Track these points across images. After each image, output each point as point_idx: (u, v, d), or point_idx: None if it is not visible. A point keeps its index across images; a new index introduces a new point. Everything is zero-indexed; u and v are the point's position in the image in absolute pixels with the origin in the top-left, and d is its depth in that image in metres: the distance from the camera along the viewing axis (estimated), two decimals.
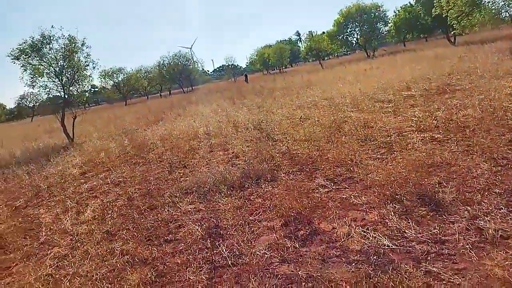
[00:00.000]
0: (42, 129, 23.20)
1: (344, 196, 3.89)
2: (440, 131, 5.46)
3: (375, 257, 2.68)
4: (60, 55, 13.05)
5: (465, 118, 5.79)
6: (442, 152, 4.50)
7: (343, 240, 3.00)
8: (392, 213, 3.22)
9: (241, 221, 3.75)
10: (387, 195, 3.58)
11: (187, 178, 5.64)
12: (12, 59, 12.56)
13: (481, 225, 2.82)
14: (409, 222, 3.03)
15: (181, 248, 3.45)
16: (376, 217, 3.27)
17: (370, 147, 5.42)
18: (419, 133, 5.60)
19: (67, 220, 4.77)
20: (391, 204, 3.39)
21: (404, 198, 3.45)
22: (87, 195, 5.90)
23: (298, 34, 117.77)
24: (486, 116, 5.55)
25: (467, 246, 2.61)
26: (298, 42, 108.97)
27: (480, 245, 2.61)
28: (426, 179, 3.75)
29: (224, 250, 3.18)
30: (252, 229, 3.56)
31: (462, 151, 4.47)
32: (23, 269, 3.71)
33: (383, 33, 45.23)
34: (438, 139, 5.13)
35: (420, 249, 2.69)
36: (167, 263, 3.21)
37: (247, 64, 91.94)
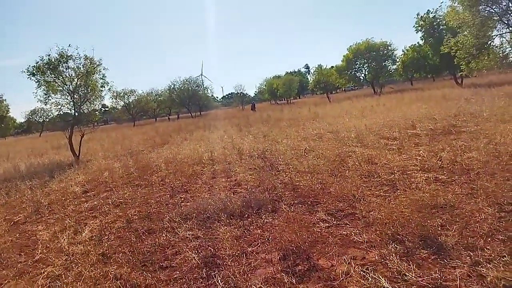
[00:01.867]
0: (50, 145, 23.43)
1: (344, 233, 3.84)
2: (445, 172, 5.43)
3: None
4: (76, 74, 13.39)
5: (470, 161, 5.77)
6: (445, 194, 4.45)
7: (341, 279, 2.93)
8: (393, 253, 3.15)
9: (238, 252, 3.69)
10: (388, 235, 3.53)
11: (188, 203, 5.62)
12: (28, 75, 12.91)
13: (483, 272, 2.74)
14: (410, 264, 2.97)
15: (175, 276, 3.39)
16: (376, 257, 3.20)
17: (373, 183, 5.39)
18: (423, 172, 5.58)
19: (64, 239, 4.73)
20: (392, 244, 3.33)
21: (406, 239, 3.39)
22: (87, 215, 5.87)
23: (307, 67, 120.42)
24: (491, 160, 5.53)
25: None
26: (307, 75, 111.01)
27: None
28: (428, 221, 3.70)
29: (220, 282, 3.11)
30: (250, 260, 3.49)
31: (466, 194, 4.42)
32: (14, 286, 3.66)
33: (391, 71, 45.98)
34: (442, 180, 5.10)
35: None
36: None
37: (256, 93, 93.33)
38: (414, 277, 2.80)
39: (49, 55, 12.84)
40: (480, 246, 3.11)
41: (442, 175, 5.29)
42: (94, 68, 13.62)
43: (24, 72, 12.87)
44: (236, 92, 76.92)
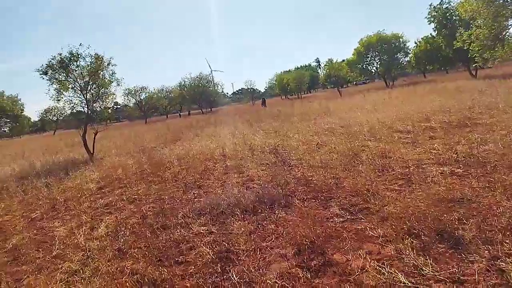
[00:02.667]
0: (64, 143, 23.82)
1: (359, 227, 3.81)
2: (460, 165, 5.33)
3: None
4: (86, 72, 13.55)
5: (486, 153, 5.66)
6: (462, 188, 4.38)
7: (357, 273, 2.91)
8: (409, 248, 3.12)
9: (253, 247, 3.70)
10: (404, 229, 3.49)
11: (201, 199, 5.65)
12: (40, 74, 13.11)
13: (503, 267, 2.69)
14: (426, 259, 2.93)
15: (191, 271, 3.41)
16: (392, 252, 3.17)
17: (387, 177, 5.33)
18: (439, 166, 5.49)
19: (81, 235, 4.81)
20: (408, 239, 3.29)
21: (422, 233, 3.35)
22: (102, 211, 5.96)
23: (317, 61, 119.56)
24: (508, 153, 5.40)
25: None
26: (318, 69, 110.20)
27: None
28: (445, 215, 3.64)
29: (235, 276, 3.13)
30: (264, 255, 3.50)
31: (483, 187, 4.34)
32: (33, 282, 3.74)
33: (403, 63, 45.33)
34: (458, 174, 5.01)
35: None
36: (176, 286, 3.18)
37: (266, 88, 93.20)
38: (431, 271, 2.77)
39: (60, 54, 13.02)
40: (499, 240, 3.05)
41: (458, 169, 5.20)
42: (102, 65, 13.73)
43: (37, 71, 13.09)
44: (246, 88, 76.91)
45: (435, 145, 6.77)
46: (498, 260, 2.79)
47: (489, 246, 2.98)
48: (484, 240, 3.11)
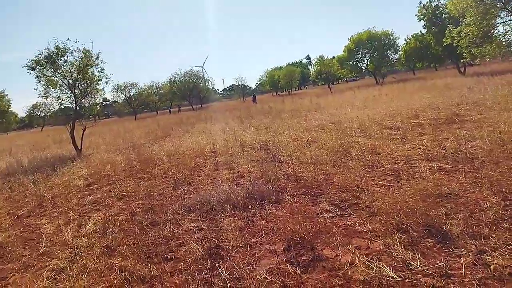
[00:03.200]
0: (52, 139, 23.46)
1: (349, 223, 3.83)
2: (448, 161, 5.40)
3: None
4: (74, 68, 13.33)
5: (474, 149, 5.74)
6: (450, 183, 4.43)
7: (346, 268, 2.93)
8: (397, 243, 3.14)
9: (242, 243, 3.69)
10: (393, 224, 3.51)
11: (191, 196, 5.62)
12: (28, 69, 12.86)
13: (489, 261, 2.73)
14: (415, 254, 2.96)
15: (180, 267, 3.39)
16: (381, 246, 3.19)
17: (377, 173, 5.37)
18: (427, 162, 5.55)
19: (68, 232, 4.74)
20: (397, 234, 3.32)
21: (411, 228, 3.38)
22: (90, 208, 5.88)
23: (308, 57, 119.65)
24: (495, 149, 5.49)
25: (473, 282, 2.52)
26: (308, 66, 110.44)
27: (487, 281, 2.52)
28: (433, 210, 3.68)
29: (224, 272, 3.11)
30: (254, 251, 3.49)
31: (470, 182, 4.39)
32: (20, 280, 3.67)
33: (393, 60, 45.66)
34: (446, 169, 5.07)
35: (425, 282, 2.60)
36: (165, 283, 3.15)
37: (257, 84, 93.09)
38: (419, 266, 2.79)
39: (48, 49, 12.78)
40: (485, 235, 3.10)
41: (446, 164, 5.26)
42: (91, 61, 13.54)
43: (25, 66, 12.84)
44: (237, 84, 76.69)
45: (424, 141, 6.85)
46: (485, 254, 2.82)
47: (476, 241, 3.02)
48: (471, 234, 3.15)
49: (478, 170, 4.76)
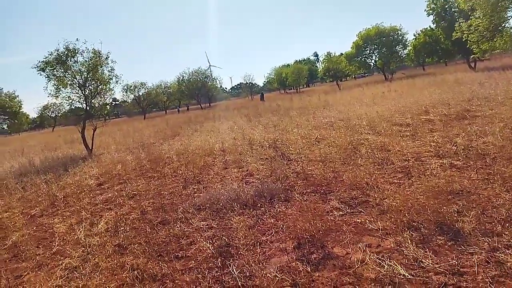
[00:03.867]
0: (63, 139, 23.77)
1: (359, 221, 3.81)
2: (460, 157, 5.33)
3: (390, 287, 2.60)
4: (84, 68, 13.45)
5: (486, 146, 5.66)
6: (461, 180, 4.38)
7: (357, 266, 2.92)
8: (408, 241, 3.12)
9: (253, 241, 3.70)
10: (404, 222, 3.49)
11: (201, 194, 5.65)
12: (38, 70, 13.00)
13: (502, 258, 2.70)
14: (426, 251, 2.94)
15: (191, 265, 3.42)
16: (392, 244, 3.18)
17: (386, 171, 5.33)
18: (438, 158, 5.49)
19: (81, 231, 4.81)
20: (408, 232, 3.30)
21: (422, 226, 3.35)
22: (102, 207, 5.96)
23: (316, 54, 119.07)
24: (507, 145, 5.40)
25: (486, 280, 2.50)
26: (316, 63, 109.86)
27: (501, 279, 2.50)
28: (444, 207, 3.64)
29: (235, 271, 3.13)
30: (264, 249, 3.50)
31: (482, 179, 4.34)
32: (34, 278, 3.74)
33: (402, 56, 45.14)
34: (457, 166, 5.01)
35: (437, 280, 2.58)
36: (176, 281, 3.18)
37: (265, 82, 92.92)
38: (431, 264, 2.78)
39: (57, 50, 12.92)
40: (498, 232, 3.06)
41: (457, 161, 5.20)
42: (101, 61, 13.65)
43: (35, 67, 12.99)
44: (245, 83, 76.64)
45: (434, 137, 6.77)
46: (498, 252, 2.79)
47: (489, 238, 2.99)
48: (483, 232, 3.12)
49: (490, 166, 4.70)
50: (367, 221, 3.75)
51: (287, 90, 76.96)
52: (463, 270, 2.66)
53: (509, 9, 19.69)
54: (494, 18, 19.60)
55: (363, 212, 4.02)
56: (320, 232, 3.61)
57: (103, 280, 3.37)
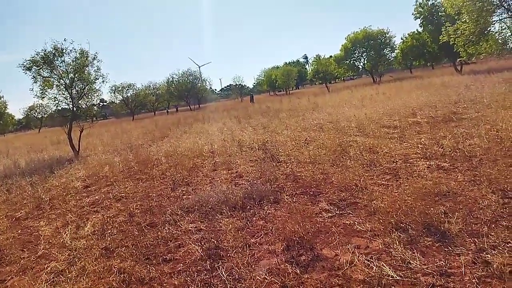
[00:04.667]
0: (49, 141, 23.37)
1: (347, 222, 3.82)
2: (447, 159, 5.41)
3: None
4: (71, 68, 13.26)
5: (472, 148, 5.75)
6: (448, 181, 4.44)
7: (346, 268, 2.92)
8: (397, 242, 3.14)
9: (242, 243, 3.67)
10: (392, 223, 3.51)
11: (190, 196, 5.60)
12: (24, 69, 12.77)
13: (488, 259, 2.73)
14: (414, 253, 2.96)
15: (179, 268, 3.38)
16: (380, 246, 3.19)
17: (375, 172, 5.37)
18: (425, 160, 5.56)
19: (67, 234, 4.71)
20: (395, 233, 3.32)
21: (409, 227, 3.38)
22: (89, 209, 5.86)
23: (305, 57, 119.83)
24: (493, 146, 5.51)
25: (473, 281, 2.52)
26: (305, 65, 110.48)
27: (487, 279, 2.53)
28: (432, 208, 3.68)
29: (224, 273, 3.10)
30: (253, 252, 3.48)
31: (469, 181, 4.40)
32: (18, 283, 3.65)
33: (389, 59, 45.71)
34: (444, 168, 5.08)
35: (425, 281, 2.60)
36: (164, 284, 3.14)
37: (254, 84, 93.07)
38: (419, 264, 2.79)
39: (45, 50, 12.71)
40: (485, 233, 3.10)
41: (444, 163, 5.27)
42: (87, 60, 13.47)
43: (20, 66, 12.75)
44: (234, 84, 76.57)
45: (422, 139, 6.86)
46: (484, 253, 2.83)
47: (475, 239, 3.03)
48: (470, 233, 3.16)
49: (476, 168, 4.77)
50: (355, 222, 3.77)
51: (276, 92, 77.21)
52: (450, 271, 2.68)
53: (495, 14, 20.14)
54: (480, 23, 20.01)
55: (352, 214, 4.03)
56: (309, 233, 3.61)
57: (90, 284, 3.30)
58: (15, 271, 3.94)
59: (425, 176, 4.75)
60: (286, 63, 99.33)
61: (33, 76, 12.90)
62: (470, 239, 3.04)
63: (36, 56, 12.69)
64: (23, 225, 5.62)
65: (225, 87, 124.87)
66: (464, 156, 5.37)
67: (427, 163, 5.39)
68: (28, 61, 12.68)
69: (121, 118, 62.21)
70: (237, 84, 74.81)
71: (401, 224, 3.46)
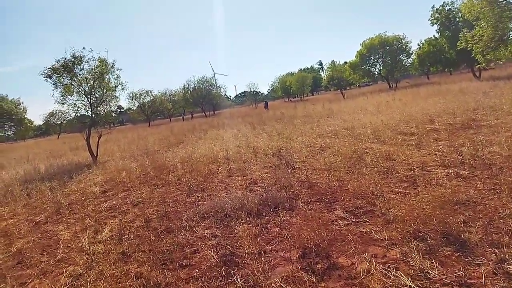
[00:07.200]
0: (68, 146, 23.90)
1: (364, 230, 3.78)
2: (466, 167, 5.30)
3: None
4: (91, 76, 13.59)
5: (492, 155, 5.62)
6: (467, 190, 4.35)
7: (362, 277, 2.89)
8: (415, 251, 3.09)
9: (257, 250, 3.68)
10: (410, 232, 3.46)
11: (205, 202, 5.64)
12: (45, 77, 13.14)
13: (510, 270, 2.67)
14: (432, 262, 2.91)
15: (195, 274, 3.41)
16: (398, 255, 3.15)
17: (392, 180, 5.30)
18: (444, 168, 5.46)
19: (85, 239, 4.81)
20: (414, 242, 3.27)
21: (428, 236, 3.32)
22: (106, 214, 5.97)
23: (320, 63, 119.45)
24: None
25: None
26: (320, 71, 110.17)
27: None
28: (451, 217, 3.61)
29: (239, 280, 3.11)
30: (269, 259, 3.48)
31: (489, 189, 4.30)
32: (38, 285, 3.75)
33: (406, 65, 45.16)
34: (463, 176, 4.97)
35: None
36: None
37: (269, 91, 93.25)
38: (438, 275, 2.75)
39: (65, 58, 13.07)
40: (505, 243, 3.02)
41: (463, 171, 5.17)
42: (107, 69, 13.81)
43: (42, 74, 13.14)
44: (249, 91, 76.86)
45: (440, 147, 6.74)
46: (505, 263, 2.76)
47: (496, 249, 2.96)
48: (490, 242, 3.08)
49: (497, 176, 4.66)
50: (372, 230, 3.72)
51: (291, 98, 77.16)
52: (470, 282, 2.63)
53: None
54: (499, 28, 19.62)
55: (368, 222, 3.99)
56: (325, 241, 3.59)
57: None
58: (35, 274, 4.05)
59: (443, 184, 4.67)
60: (301, 69, 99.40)
61: (54, 82, 13.28)
62: (490, 249, 2.97)
63: (56, 64, 13.07)
64: (43, 229, 5.76)
65: (239, 93, 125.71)
66: (484, 164, 5.25)
67: (446, 171, 5.29)
68: (49, 69, 13.06)
69: (138, 124, 63.22)
70: (251, 91, 75.09)
71: (419, 233, 3.41)
